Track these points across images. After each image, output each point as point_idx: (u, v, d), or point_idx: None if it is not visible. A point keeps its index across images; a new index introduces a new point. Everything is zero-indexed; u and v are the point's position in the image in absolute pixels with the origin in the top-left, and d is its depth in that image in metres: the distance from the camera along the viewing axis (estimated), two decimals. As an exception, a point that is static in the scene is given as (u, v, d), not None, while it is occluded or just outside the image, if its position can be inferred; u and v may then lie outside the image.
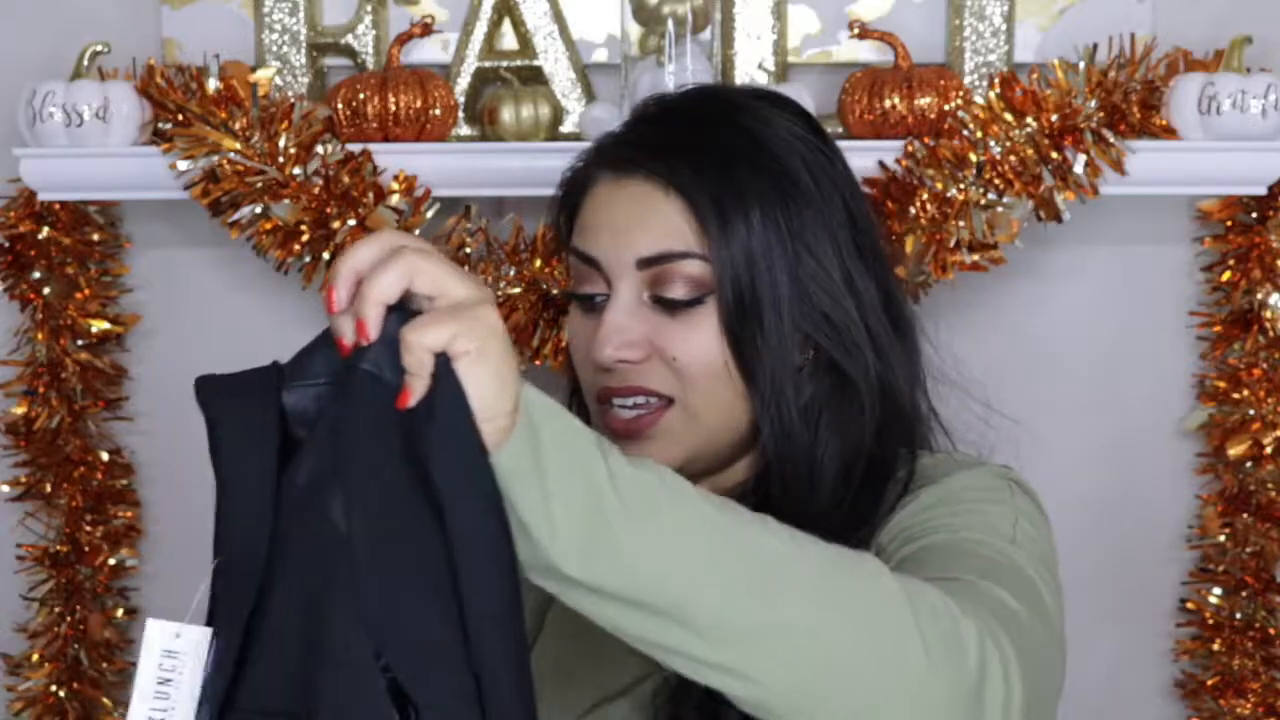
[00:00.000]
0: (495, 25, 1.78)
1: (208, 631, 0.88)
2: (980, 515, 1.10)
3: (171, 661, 0.87)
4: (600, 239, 1.16)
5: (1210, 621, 1.84)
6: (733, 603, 0.87)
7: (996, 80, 1.69)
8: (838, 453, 1.16)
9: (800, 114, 1.23)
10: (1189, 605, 1.86)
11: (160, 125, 1.71)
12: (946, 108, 1.68)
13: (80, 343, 1.84)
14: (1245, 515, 1.81)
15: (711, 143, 1.16)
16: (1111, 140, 1.66)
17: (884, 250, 1.23)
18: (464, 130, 1.77)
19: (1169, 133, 1.67)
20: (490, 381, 0.83)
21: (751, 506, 1.12)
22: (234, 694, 0.87)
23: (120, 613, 1.88)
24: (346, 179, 1.66)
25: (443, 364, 0.82)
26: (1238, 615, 1.83)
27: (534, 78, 1.77)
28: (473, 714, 0.83)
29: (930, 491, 1.14)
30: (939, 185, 1.66)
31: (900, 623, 0.90)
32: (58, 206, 1.80)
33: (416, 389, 0.82)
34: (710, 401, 1.15)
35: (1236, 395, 1.79)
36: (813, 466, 1.15)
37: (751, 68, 1.75)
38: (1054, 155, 1.65)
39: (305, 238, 1.67)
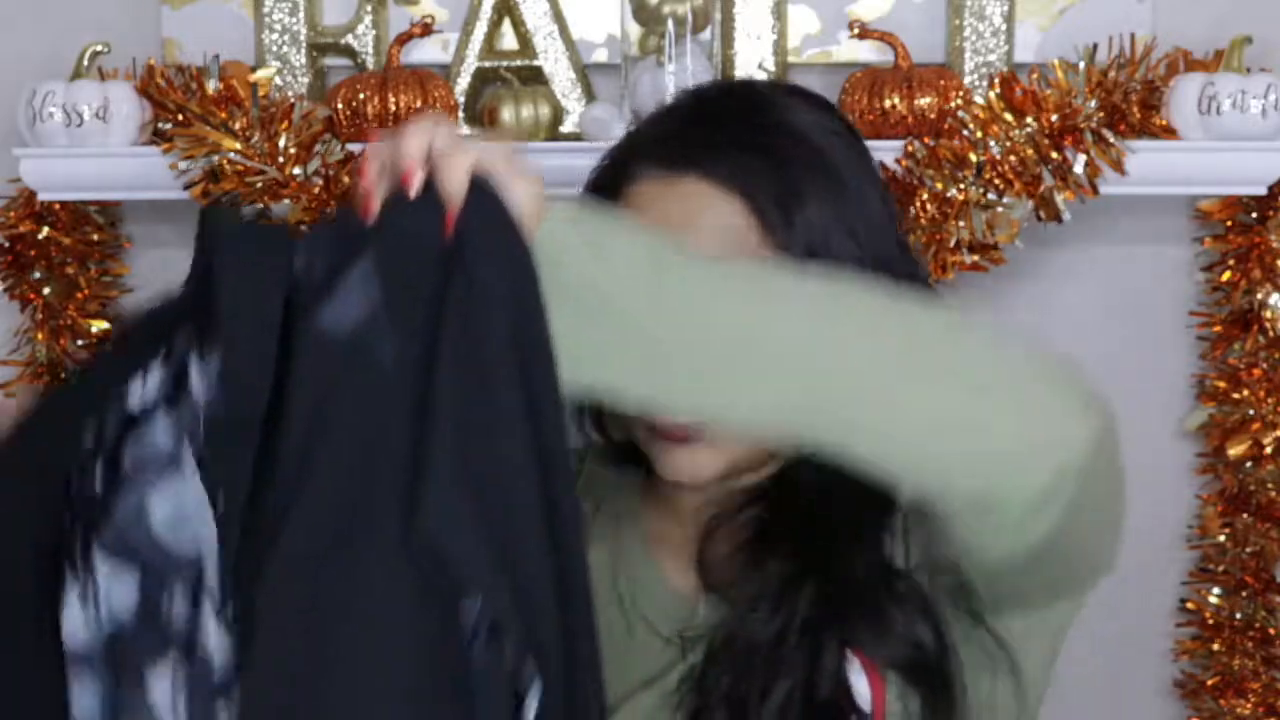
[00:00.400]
0: (495, 25, 1.78)
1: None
2: None
3: None
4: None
5: (1210, 621, 1.84)
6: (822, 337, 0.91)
7: (996, 80, 1.69)
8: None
9: (829, 108, 1.21)
10: (1189, 605, 1.86)
11: (160, 125, 1.71)
12: (946, 108, 1.68)
13: (80, 343, 1.84)
14: (1245, 515, 1.81)
15: (764, 140, 1.12)
16: (1111, 140, 1.66)
17: (909, 242, 1.22)
18: (464, 130, 1.77)
19: (1169, 133, 1.67)
20: (526, 185, 0.88)
21: (764, 511, 1.12)
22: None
23: (120, 613, 1.88)
24: (346, 179, 1.66)
25: (478, 182, 0.86)
26: (1238, 615, 1.83)
27: (534, 78, 1.77)
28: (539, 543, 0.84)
29: None
30: (939, 185, 1.66)
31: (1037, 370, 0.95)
32: (58, 206, 1.80)
33: (457, 207, 0.86)
34: None
35: (1236, 395, 1.79)
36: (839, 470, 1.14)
37: (751, 68, 1.75)
38: (1054, 155, 1.65)
39: (305, 238, 1.68)
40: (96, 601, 0.90)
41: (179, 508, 0.89)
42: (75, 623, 0.91)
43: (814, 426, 0.92)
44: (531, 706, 0.84)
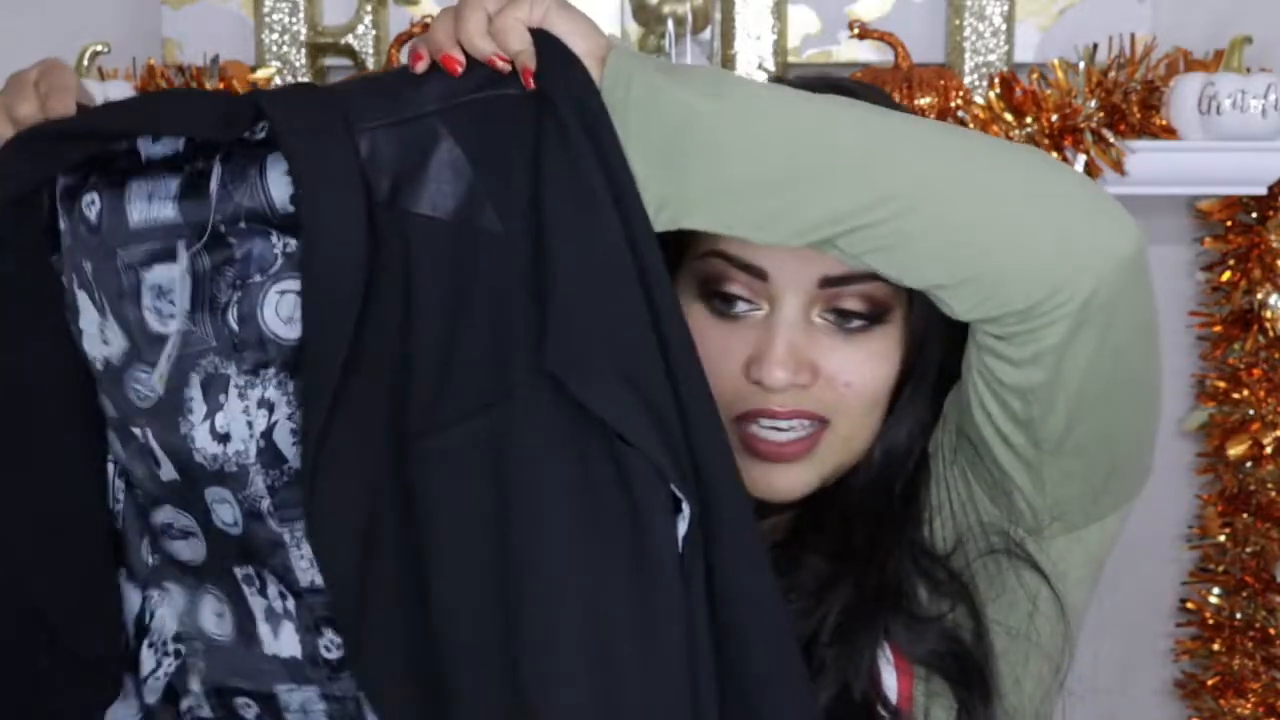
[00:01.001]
0: (495, 25, 1.78)
1: None
2: None
3: None
4: (775, 251, 1.03)
5: (1210, 621, 1.84)
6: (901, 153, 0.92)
7: (996, 80, 1.69)
8: (910, 472, 1.10)
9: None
10: (1189, 605, 1.86)
11: (160, 125, 1.71)
12: (946, 107, 1.68)
13: (80, 343, 1.84)
14: (1245, 515, 1.81)
15: None
16: (1111, 140, 1.66)
17: None
18: None
19: (1169, 133, 1.67)
20: (581, 20, 0.94)
21: (801, 510, 1.10)
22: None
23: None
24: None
25: (539, 34, 0.92)
26: (1238, 615, 1.83)
27: (534, 78, 1.77)
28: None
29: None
30: (939, 185, 1.66)
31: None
32: (58, 206, 1.80)
33: (529, 63, 0.90)
34: (863, 423, 1.08)
35: (1236, 395, 1.80)
36: (889, 491, 1.10)
37: (751, 68, 1.75)
38: (1054, 155, 1.66)
39: (305, 238, 1.68)
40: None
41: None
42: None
43: (889, 219, 0.91)
44: (681, 526, 0.87)
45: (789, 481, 1.09)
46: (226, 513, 0.94)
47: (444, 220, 0.89)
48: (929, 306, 1.00)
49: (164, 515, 0.97)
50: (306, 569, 0.93)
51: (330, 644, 0.95)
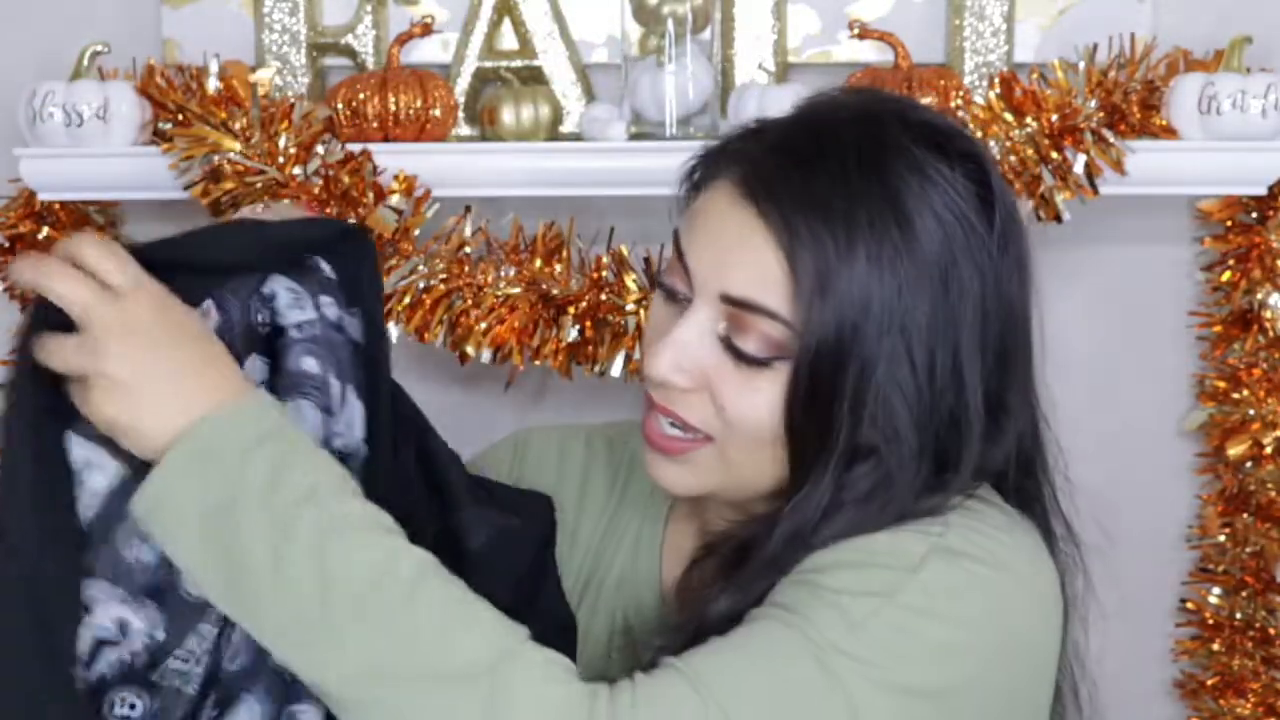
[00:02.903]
0: (495, 25, 1.78)
1: None
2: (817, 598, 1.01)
3: None
4: (700, 251, 1.07)
5: (1210, 621, 1.84)
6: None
7: (996, 80, 1.69)
8: (853, 530, 1.07)
9: (974, 174, 1.08)
10: (1189, 605, 1.86)
11: (160, 125, 1.71)
12: (946, 108, 1.68)
13: (80, 343, 1.84)
14: (1245, 515, 1.81)
15: (844, 207, 1.03)
16: (1111, 140, 1.66)
17: (1017, 343, 1.14)
18: (464, 130, 1.77)
19: (1169, 133, 1.67)
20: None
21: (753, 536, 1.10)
22: None
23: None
24: (346, 179, 1.66)
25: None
26: (1238, 615, 1.83)
27: (534, 78, 1.77)
28: None
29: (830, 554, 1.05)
30: (939, 185, 1.66)
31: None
32: (58, 206, 1.80)
33: None
34: (748, 457, 1.08)
35: (1236, 395, 1.79)
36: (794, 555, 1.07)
37: (751, 68, 1.75)
38: (1054, 155, 1.65)
39: (305, 238, 1.68)
40: None
41: None
42: None
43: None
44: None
45: (664, 475, 1.12)
46: None
47: None
48: (834, 376, 1.02)
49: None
50: None
51: None
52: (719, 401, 1.07)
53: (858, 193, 1.04)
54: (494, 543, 1.14)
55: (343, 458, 1.05)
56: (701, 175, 1.13)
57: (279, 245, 1.08)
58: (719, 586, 1.08)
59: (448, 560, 1.02)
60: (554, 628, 1.17)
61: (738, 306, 1.05)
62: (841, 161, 1.05)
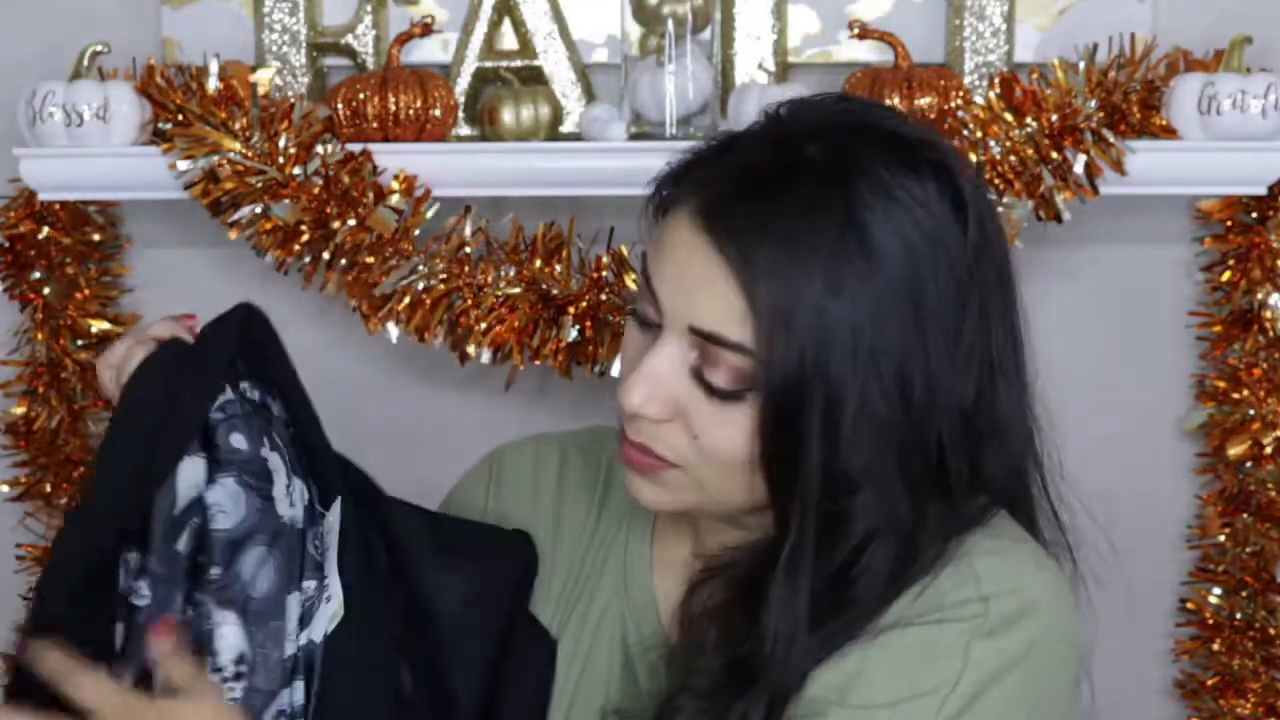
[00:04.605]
0: (495, 25, 1.78)
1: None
2: None
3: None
4: (666, 283, 1.06)
5: (1210, 621, 1.84)
6: None
7: (996, 80, 1.69)
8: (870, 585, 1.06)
9: (945, 185, 1.05)
10: (1189, 605, 1.86)
11: (160, 125, 1.71)
12: (946, 108, 1.68)
13: (80, 343, 1.84)
14: (1245, 515, 1.81)
15: (805, 238, 1.01)
16: (1111, 140, 1.65)
17: (1003, 354, 1.09)
18: (464, 130, 1.77)
19: (1169, 133, 1.67)
20: None
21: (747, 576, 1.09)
22: None
23: (120, 613, 1.88)
24: (346, 179, 1.66)
25: None
26: (1238, 615, 1.83)
27: (534, 78, 1.77)
28: None
29: (843, 670, 1.04)
30: (939, 185, 1.66)
31: None
32: (58, 206, 1.80)
33: None
34: (725, 483, 1.07)
35: (1236, 395, 1.79)
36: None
37: (751, 68, 1.75)
38: (1054, 155, 1.65)
39: (305, 238, 1.67)
40: None
41: None
42: None
43: None
44: None
45: (642, 494, 1.11)
46: None
47: None
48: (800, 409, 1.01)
49: None
50: None
51: None
52: (693, 431, 1.06)
53: (819, 222, 1.01)
54: (468, 600, 1.13)
55: (281, 531, 1.07)
56: (664, 199, 1.10)
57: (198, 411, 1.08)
58: (731, 646, 1.07)
59: (422, 626, 1.03)
60: (534, 662, 1.17)
61: (706, 339, 1.04)
62: (802, 188, 1.02)
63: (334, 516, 1.10)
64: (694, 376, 1.05)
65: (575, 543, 1.25)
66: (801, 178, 1.03)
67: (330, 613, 1.07)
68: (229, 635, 1.03)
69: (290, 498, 1.08)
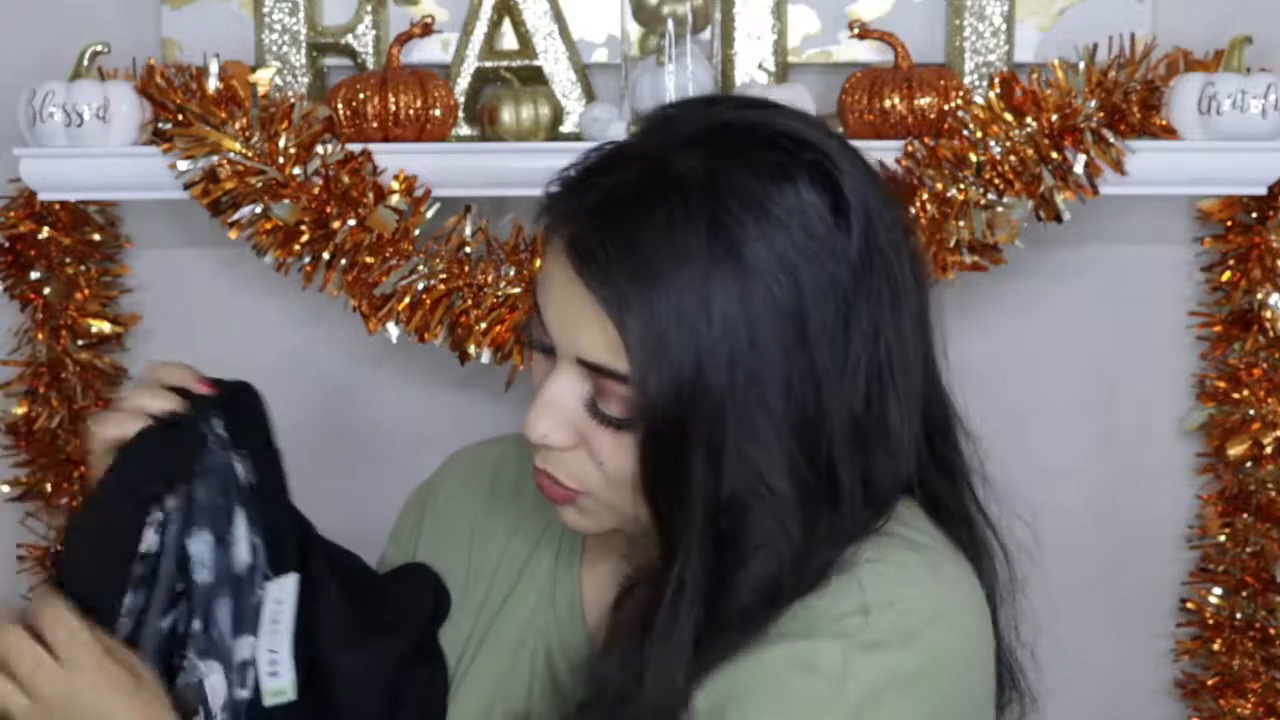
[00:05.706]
0: (495, 25, 1.78)
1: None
2: None
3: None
4: (552, 317, 1.04)
5: (1210, 621, 1.84)
6: None
7: (996, 80, 1.69)
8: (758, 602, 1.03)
9: (825, 191, 1.02)
10: (1189, 605, 1.86)
11: (160, 125, 1.71)
12: (946, 108, 1.68)
13: (80, 343, 1.84)
14: (1245, 515, 1.82)
15: (672, 267, 0.98)
16: (1111, 140, 1.66)
17: (892, 360, 1.04)
18: (464, 130, 1.77)
19: (1169, 133, 1.67)
20: None
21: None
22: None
23: (120, 613, 1.88)
24: (346, 179, 1.66)
25: None
26: (1238, 615, 1.83)
27: (534, 78, 1.77)
28: None
29: (720, 691, 1.01)
30: (939, 185, 1.66)
31: None
32: (58, 206, 1.80)
33: None
34: (634, 508, 1.06)
35: (1236, 395, 1.80)
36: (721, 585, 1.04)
37: (751, 68, 1.75)
38: (1054, 155, 1.65)
39: (305, 238, 1.68)
40: None
41: None
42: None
43: None
44: None
45: (565, 518, 1.11)
46: None
47: None
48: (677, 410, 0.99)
49: None
50: None
51: None
52: (597, 459, 1.05)
53: (688, 245, 0.98)
54: (367, 672, 1.17)
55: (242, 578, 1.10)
56: (545, 227, 1.07)
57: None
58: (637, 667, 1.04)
59: (317, 692, 1.08)
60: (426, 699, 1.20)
61: (593, 370, 1.03)
62: (669, 214, 0.98)
63: (287, 591, 1.10)
64: (587, 407, 1.04)
65: (505, 545, 1.25)
66: (668, 199, 0.99)
67: (275, 687, 1.09)
68: (217, 685, 1.07)
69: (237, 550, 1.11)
